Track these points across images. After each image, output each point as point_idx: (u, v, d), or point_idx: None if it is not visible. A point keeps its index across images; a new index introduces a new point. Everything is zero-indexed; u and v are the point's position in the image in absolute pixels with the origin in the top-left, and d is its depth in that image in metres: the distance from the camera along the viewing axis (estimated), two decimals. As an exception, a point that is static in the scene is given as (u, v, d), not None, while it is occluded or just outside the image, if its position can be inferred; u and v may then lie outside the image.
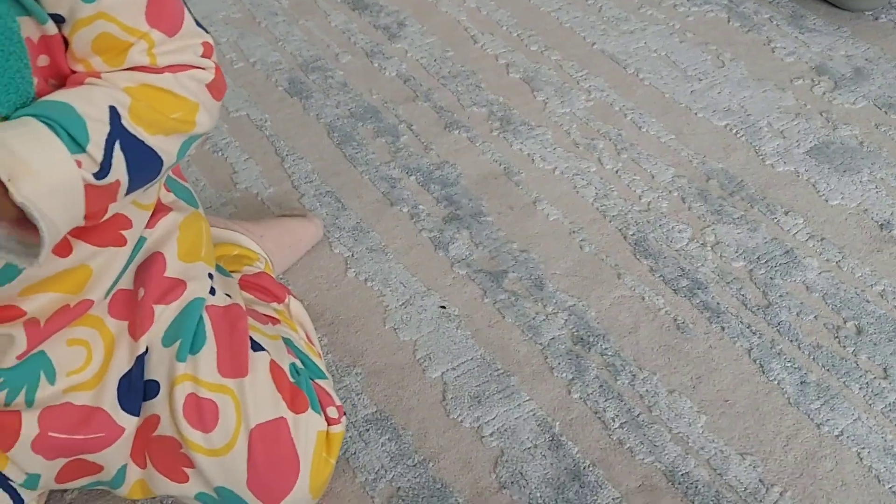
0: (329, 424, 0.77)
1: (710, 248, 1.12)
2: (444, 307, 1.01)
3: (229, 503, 0.72)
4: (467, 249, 1.09)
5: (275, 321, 0.84)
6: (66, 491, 0.80)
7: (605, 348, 0.98)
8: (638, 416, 0.90)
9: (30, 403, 0.66)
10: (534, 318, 1.01)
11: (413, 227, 1.11)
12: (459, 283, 1.05)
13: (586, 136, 1.29)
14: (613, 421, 0.90)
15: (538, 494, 0.83)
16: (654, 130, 1.31)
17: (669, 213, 1.18)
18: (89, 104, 0.58)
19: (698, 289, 1.06)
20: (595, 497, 0.82)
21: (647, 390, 0.93)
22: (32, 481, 0.68)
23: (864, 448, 0.88)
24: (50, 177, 0.54)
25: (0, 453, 0.67)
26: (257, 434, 0.71)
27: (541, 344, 0.98)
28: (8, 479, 0.68)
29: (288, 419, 0.73)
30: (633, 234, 1.13)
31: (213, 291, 0.76)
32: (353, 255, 1.06)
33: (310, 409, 0.75)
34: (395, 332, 0.98)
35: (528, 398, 0.92)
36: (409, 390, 0.92)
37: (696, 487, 0.84)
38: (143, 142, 0.60)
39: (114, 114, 0.58)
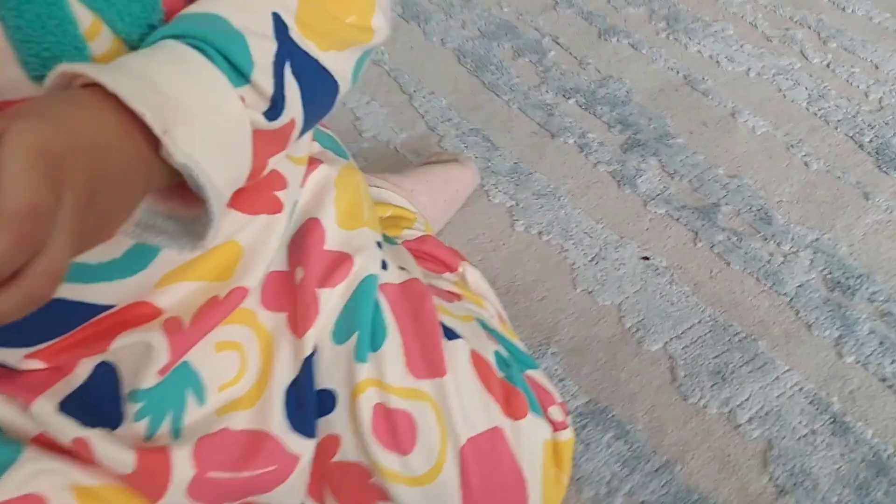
0: (554, 430, 0.58)
1: (980, 149, 0.87)
2: (646, 258, 0.80)
3: (440, 544, 0.56)
4: (661, 182, 0.87)
5: (458, 297, 0.66)
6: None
7: (874, 292, 0.75)
8: (944, 380, 0.69)
9: (176, 433, 0.50)
10: (769, 262, 0.79)
11: (585, 161, 0.90)
12: (660, 225, 0.83)
13: (778, 27, 1.03)
14: (912, 390, 0.68)
15: (834, 500, 0.62)
16: (864, 10, 1.04)
17: (911, 109, 0.92)
18: (248, 13, 0.39)
19: (980, 203, 0.81)
20: (915, 498, 0.62)
21: (947, 344, 0.71)
22: (189, 535, 0.53)
23: None
24: (213, 125, 0.36)
25: (147, 507, 0.52)
26: (469, 451, 0.53)
27: (786, 294, 0.76)
28: (159, 539, 0.53)
29: (504, 428, 0.54)
30: (871, 141, 0.89)
31: (384, 265, 0.58)
32: (517, 205, 0.86)
33: (530, 413, 0.56)
34: (590, 297, 0.78)
35: (787, 368, 0.71)
36: (626, 370, 0.72)
37: None
38: (316, 60, 0.42)
39: (279, 25, 0.40)
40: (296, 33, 0.41)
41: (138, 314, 0.48)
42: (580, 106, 0.95)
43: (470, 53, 1.04)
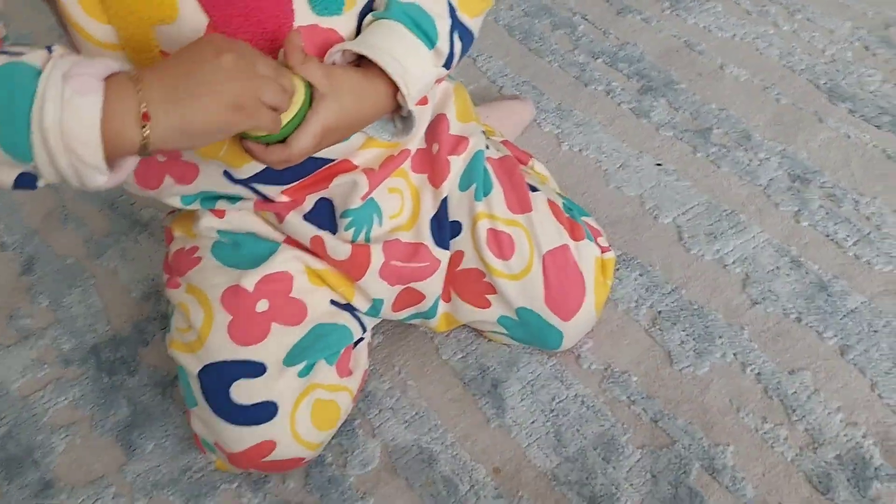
0: (602, 252, 0.89)
1: (906, 86, 1.17)
2: (659, 164, 1.11)
3: (528, 323, 0.85)
4: (668, 114, 1.18)
5: (529, 175, 0.96)
6: (374, 334, 0.95)
7: (823, 182, 1.05)
8: (868, 234, 0.98)
9: (368, 239, 0.81)
10: (748, 165, 1.09)
11: (611, 101, 1.21)
12: (668, 143, 1.14)
13: (757, 4, 1.35)
14: (846, 240, 0.98)
15: (790, 306, 0.92)
16: (823, -11, 1.36)
17: (856, 60, 1.23)
18: (435, 2, 0.69)
19: (903, 122, 1.12)
20: (844, 301, 0.91)
21: (872, 212, 1.01)
22: (376, 307, 0.83)
23: None
24: (424, 79, 0.68)
25: (348, 286, 0.82)
26: (549, 258, 0.84)
27: (760, 185, 1.06)
28: (355, 309, 0.84)
29: (570, 246, 0.85)
30: (826, 83, 1.20)
31: (486, 147, 0.89)
32: (562, 132, 1.17)
33: (586, 238, 0.87)
34: (619, 190, 1.08)
35: (760, 230, 1.01)
36: (646, 235, 1.02)
37: (942, 286, 0.92)
38: (469, 28, 0.73)
39: (450, 8, 0.70)
40: (459, 12, 0.72)
41: (344, 167, 0.79)
42: (605, 63, 1.27)
43: (517, 28, 1.36)
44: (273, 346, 0.77)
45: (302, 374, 0.79)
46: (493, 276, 0.84)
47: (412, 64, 0.67)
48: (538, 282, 0.84)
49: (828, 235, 0.99)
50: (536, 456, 0.83)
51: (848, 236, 0.98)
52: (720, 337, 0.90)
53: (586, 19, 1.36)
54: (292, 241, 0.82)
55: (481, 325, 0.89)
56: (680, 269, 0.98)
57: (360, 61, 0.67)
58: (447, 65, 0.72)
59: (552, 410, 0.86)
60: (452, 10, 0.71)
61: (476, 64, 1.30)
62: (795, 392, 0.84)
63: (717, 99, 1.19)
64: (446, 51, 0.70)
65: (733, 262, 0.98)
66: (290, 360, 0.78)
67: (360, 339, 0.86)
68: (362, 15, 0.69)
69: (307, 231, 0.80)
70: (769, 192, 1.05)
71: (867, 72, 1.20)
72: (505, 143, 1.01)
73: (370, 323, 0.87)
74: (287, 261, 0.80)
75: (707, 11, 1.34)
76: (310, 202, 0.80)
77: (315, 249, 0.81)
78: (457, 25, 0.72)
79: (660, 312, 0.94)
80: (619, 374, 0.88)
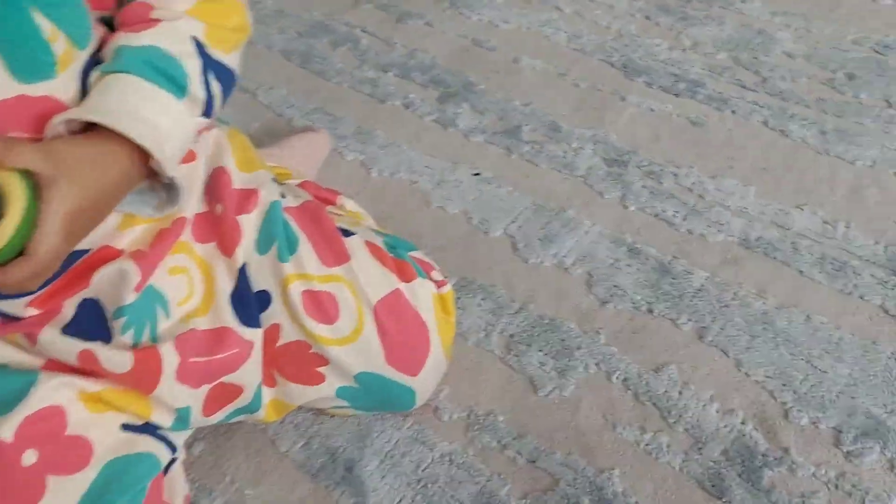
0: (438, 287, 0.79)
1: (691, 51, 1.18)
2: (477, 174, 1.03)
3: (372, 389, 0.74)
4: (474, 119, 1.11)
5: (340, 217, 0.85)
6: (192, 445, 0.79)
7: (639, 160, 1.03)
8: (694, 206, 0.97)
9: (154, 339, 0.66)
10: (564, 157, 1.05)
11: (413, 115, 1.12)
12: (481, 149, 1.07)
13: (535, -10, 1.33)
14: (675, 216, 0.96)
15: (638, 297, 0.88)
16: (594, -32, 1.36)
17: (641, 32, 1.23)
18: (176, 41, 0.58)
19: (697, 87, 1.12)
20: (689, 281, 0.89)
21: (692, 182, 1.00)
22: (183, 419, 0.68)
23: (896, 167, 0.98)
24: (180, 136, 0.57)
25: (141, 402, 0.66)
26: (380, 309, 0.73)
27: (581, 176, 1.02)
28: (157, 427, 0.68)
29: (402, 289, 0.75)
30: (618, 60, 1.19)
31: (282, 196, 0.76)
32: (367, 157, 1.07)
33: (418, 277, 0.77)
34: (442, 210, 1.00)
35: (591, 223, 0.96)
36: (480, 253, 0.94)
37: (772, 244, 0.91)
38: (226, 65, 0.61)
39: (198, 45, 0.59)
40: (209, 48, 0.60)
41: (107, 254, 0.63)
42: (397, 76, 1.18)
43: (294, 52, 1.24)
44: (55, 507, 0.60)
45: (102, 530, 0.62)
46: (321, 345, 0.72)
47: (162, 121, 0.55)
48: (374, 339, 0.73)
49: (657, 215, 0.97)
50: (413, 538, 0.72)
51: (676, 212, 0.96)
52: (578, 348, 0.84)
53: (367, 32, 1.27)
54: (55, 364, 0.64)
55: (319, 404, 0.76)
56: (522, 283, 0.91)
57: (94, 126, 0.53)
58: (207, 112, 0.59)
59: (419, 481, 0.75)
60: (201, 48, 0.59)
61: (256, 98, 1.17)
62: (666, 391, 0.79)
63: (519, 94, 1.15)
64: (202, 96, 0.58)
65: (573, 263, 0.92)
66: (81, 517, 0.61)
67: (173, 461, 0.71)
68: (85, 72, 0.55)
69: (71, 347, 0.63)
70: (590, 181, 1.01)
71: (654, 42, 1.21)
72: (304, 184, 0.89)
73: (180, 438, 0.71)
74: (52, 391, 0.63)
75: (488, 6, 1.30)
76: (69, 309, 0.64)
77: (86, 367, 0.64)
78: (210, 64, 0.59)
79: (512, 336, 0.86)
80: (484, 418, 0.79)
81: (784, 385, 0.78)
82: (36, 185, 0.50)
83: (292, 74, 1.20)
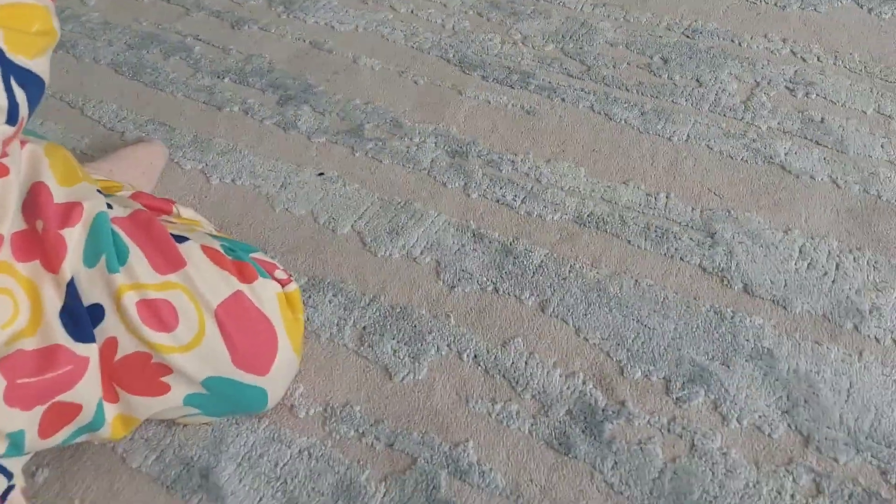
0: (283, 286, 0.80)
1: (521, 44, 1.25)
2: (321, 174, 1.05)
3: (222, 393, 0.74)
4: (315, 120, 1.13)
5: (174, 224, 0.84)
6: (36, 472, 0.76)
7: (479, 150, 1.08)
8: (532, 189, 1.03)
9: (-24, 366, 0.63)
10: (407, 152, 1.08)
11: (252, 120, 1.12)
12: (325, 149, 1.09)
13: (370, -8, 1.36)
14: (515, 200, 1.01)
15: (484, 279, 0.93)
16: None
17: (474, 28, 1.29)
18: None
19: (529, 78, 1.19)
20: (530, 259, 0.94)
21: (528, 168, 1.06)
22: (17, 443, 0.65)
23: (709, 140, 1.08)
24: None
25: (-29, 430, 0.63)
26: (222, 313, 0.73)
27: (424, 169, 1.06)
28: (-11, 456, 0.65)
29: (244, 290, 0.75)
30: (454, 56, 1.24)
31: (109, 206, 0.75)
32: (207, 165, 1.06)
33: (260, 277, 0.77)
34: (288, 212, 1.01)
35: (437, 213, 1.00)
36: (329, 251, 0.96)
37: (602, 219, 0.98)
38: (31, 71, 0.59)
39: None
40: (10, 53, 0.58)
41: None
42: (234, 81, 1.18)
43: (124, 63, 1.21)
44: None
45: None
46: (163, 355, 0.71)
47: None
48: (218, 343, 0.73)
49: (498, 201, 1.02)
50: (277, 537, 0.73)
51: (515, 196, 1.02)
52: (430, 333, 0.87)
53: (200, 40, 1.26)
54: None
55: (168, 414, 0.75)
56: (373, 277, 0.94)
57: None
58: (11, 120, 0.58)
59: (278, 478, 0.76)
60: (1, 54, 0.57)
61: (84, 113, 1.13)
62: (513, 363, 0.84)
63: (359, 93, 1.17)
64: (4, 103, 0.57)
65: (421, 253, 0.96)
66: None
67: (9, 489, 0.68)
68: None
69: None
70: (434, 173, 1.06)
71: (487, 37, 1.27)
72: (136, 195, 0.87)
73: (17, 465, 0.68)
74: None
75: (324, 8, 1.32)
76: None
77: None
78: (12, 70, 0.58)
79: (364, 328, 0.88)
80: (341, 409, 0.81)
81: (618, 344, 0.85)
82: None
83: (123, 87, 1.17)
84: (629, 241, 0.95)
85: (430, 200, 1.02)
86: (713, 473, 0.74)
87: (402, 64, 1.22)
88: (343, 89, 1.18)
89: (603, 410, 0.79)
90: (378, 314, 0.89)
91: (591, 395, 0.80)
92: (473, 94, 1.17)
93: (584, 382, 0.82)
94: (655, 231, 0.96)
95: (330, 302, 0.91)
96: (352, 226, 0.99)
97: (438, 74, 1.21)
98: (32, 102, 0.62)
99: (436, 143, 1.10)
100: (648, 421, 0.78)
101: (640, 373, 0.82)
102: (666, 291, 0.90)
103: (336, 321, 0.89)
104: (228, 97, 1.15)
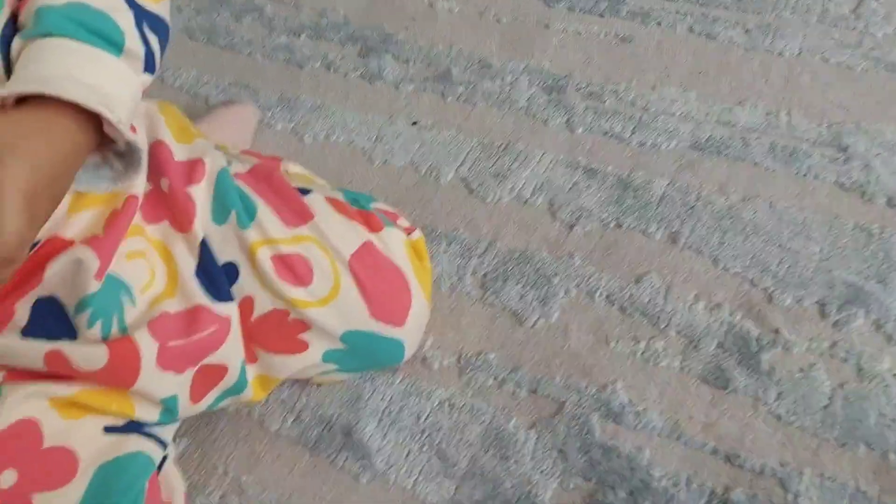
0: (407, 233, 0.78)
1: (605, -28, 1.21)
2: (415, 122, 1.03)
3: (360, 348, 0.73)
4: (400, 69, 1.10)
5: (291, 178, 0.83)
6: (174, 441, 0.77)
7: (577, 84, 1.05)
8: (640, 118, 0.99)
9: (124, 330, 0.63)
10: (500, 92, 1.05)
11: (336, 75, 1.11)
12: (414, 98, 1.07)
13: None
14: (624, 132, 0.98)
15: (605, 215, 0.90)
16: None
17: (551, -39, 1.25)
18: None
19: (619, 4, 1.15)
20: (650, 191, 0.91)
21: (633, 97, 1.02)
22: (170, 409, 0.65)
23: (823, 52, 1.03)
24: (128, 96, 0.54)
25: (122, 399, 0.63)
26: (355, 263, 0.72)
27: (522, 108, 1.03)
28: (142, 424, 0.65)
29: (372, 239, 0.74)
30: (535, -9, 1.20)
31: (229, 163, 0.74)
32: (298, 123, 1.04)
33: (385, 226, 0.76)
34: (388, 164, 0.99)
35: (542, 152, 0.97)
36: (437, 201, 0.94)
37: (723, 142, 0.95)
38: (158, 15, 0.58)
39: None
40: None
41: (57, 245, 0.60)
42: (311, 38, 1.16)
43: (197, 28, 1.19)
44: (46, 527, 0.57)
45: (104, 540, 0.59)
46: (300, 310, 0.70)
47: (105, 82, 0.51)
48: (354, 295, 0.71)
49: (605, 133, 0.99)
50: (429, 491, 0.72)
51: (624, 127, 0.99)
52: (555, 275, 0.85)
53: (270, -2, 1.24)
54: (18, 374, 0.61)
55: (305, 373, 0.75)
56: (485, 223, 0.92)
57: (30, 99, 0.50)
58: (149, 67, 0.56)
59: (422, 431, 0.75)
60: (130, 0, 0.56)
61: (165, 83, 1.12)
62: (650, 299, 0.81)
63: (441, 38, 1.14)
64: (141, 51, 0.55)
65: (532, 194, 0.93)
66: (78, 530, 0.58)
67: (164, 459, 0.68)
68: (5, 43, 0.52)
69: (35, 351, 0.59)
70: (533, 111, 1.03)
71: (566, -31, 1.23)
72: (245, 152, 0.87)
73: (169, 433, 0.68)
74: (21, 403, 0.59)
75: (392, -46, 1.29)
76: (23, 311, 0.60)
77: (56, 370, 0.61)
78: (143, 15, 0.56)
79: (485, 275, 0.87)
80: (475, 358, 0.80)
81: (762, 272, 0.81)
82: None
83: (199, 52, 1.16)
84: (756, 163, 0.92)
85: (533, 139, 1.00)
86: (887, 396, 0.71)
87: (481, 3, 1.19)
88: (423, 35, 1.15)
89: (757, 340, 0.76)
90: (497, 260, 0.88)
91: (741, 326, 0.78)
92: (562, 27, 1.13)
93: (731, 314, 0.79)
94: (782, 150, 0.93)
95: (445, 252, 0.89)
96: (455, 172, 0.97)
97: (521, 10, 1.17)
98: (163, 50, 0.60)
99: (529, 81, 1.07)
100: (808, 347, 0.75)
101: (790, 299, 0.79)
102: (805, 212, 0.86)
103: (455, 270, 0.87)
104: (308, 54, 1.13)
